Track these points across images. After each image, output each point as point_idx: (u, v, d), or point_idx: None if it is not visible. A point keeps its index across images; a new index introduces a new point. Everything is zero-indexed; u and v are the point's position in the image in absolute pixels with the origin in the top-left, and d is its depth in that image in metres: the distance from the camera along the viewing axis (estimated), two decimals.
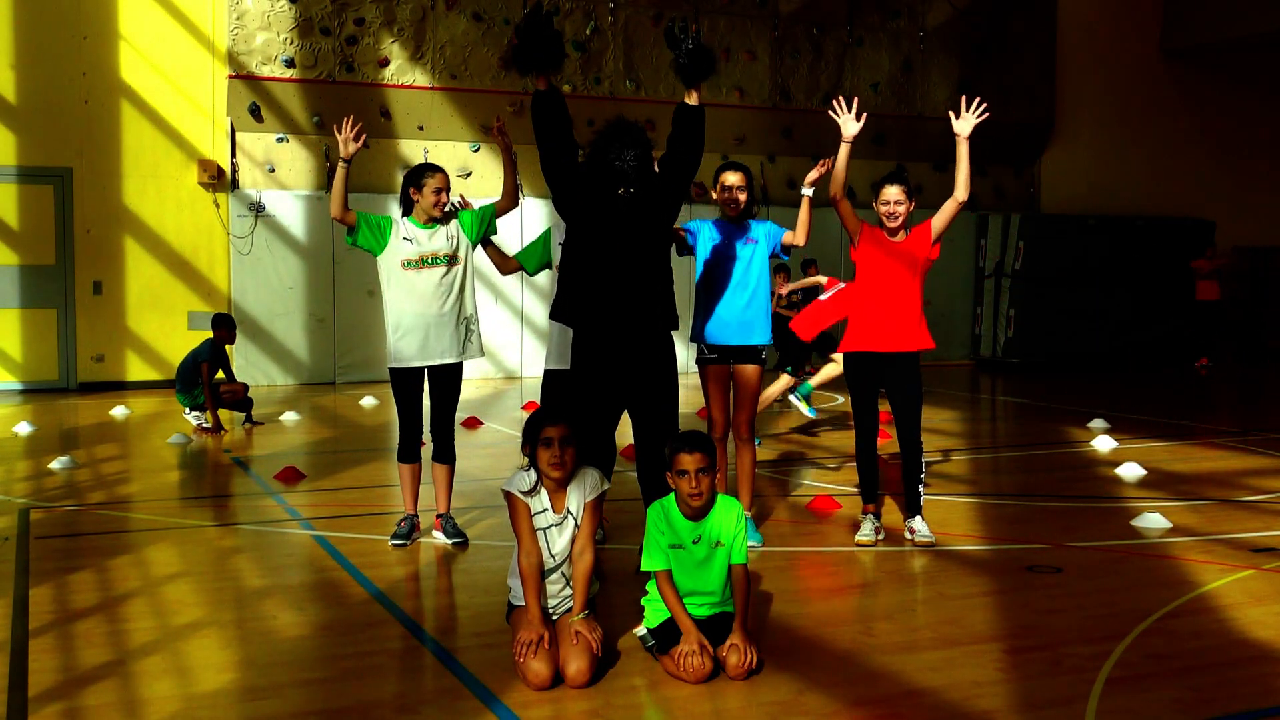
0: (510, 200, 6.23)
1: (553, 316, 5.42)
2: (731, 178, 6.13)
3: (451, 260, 6.05)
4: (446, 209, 6.07)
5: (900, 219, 6.05)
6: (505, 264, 6.64)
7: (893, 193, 6.03)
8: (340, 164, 5.91)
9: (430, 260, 6.01)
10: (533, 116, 5.18)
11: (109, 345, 14.17)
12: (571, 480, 4.30)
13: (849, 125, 5.88)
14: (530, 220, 15.59)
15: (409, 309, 6.01)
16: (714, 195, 6.21)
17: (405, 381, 6.12)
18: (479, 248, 6.24)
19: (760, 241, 6.12)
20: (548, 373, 6.56)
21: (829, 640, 4.51)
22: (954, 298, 17.82)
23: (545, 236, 6.79)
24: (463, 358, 6.13)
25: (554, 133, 5.14)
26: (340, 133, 5.93)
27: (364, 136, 5.96)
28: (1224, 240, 19.38)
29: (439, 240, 6.05)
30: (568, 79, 15.67)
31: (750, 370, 6.13)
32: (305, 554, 6.02)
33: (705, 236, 6.15)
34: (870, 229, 6.15)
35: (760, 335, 6.11)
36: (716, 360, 6.14)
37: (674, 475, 4.22)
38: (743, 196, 6.12)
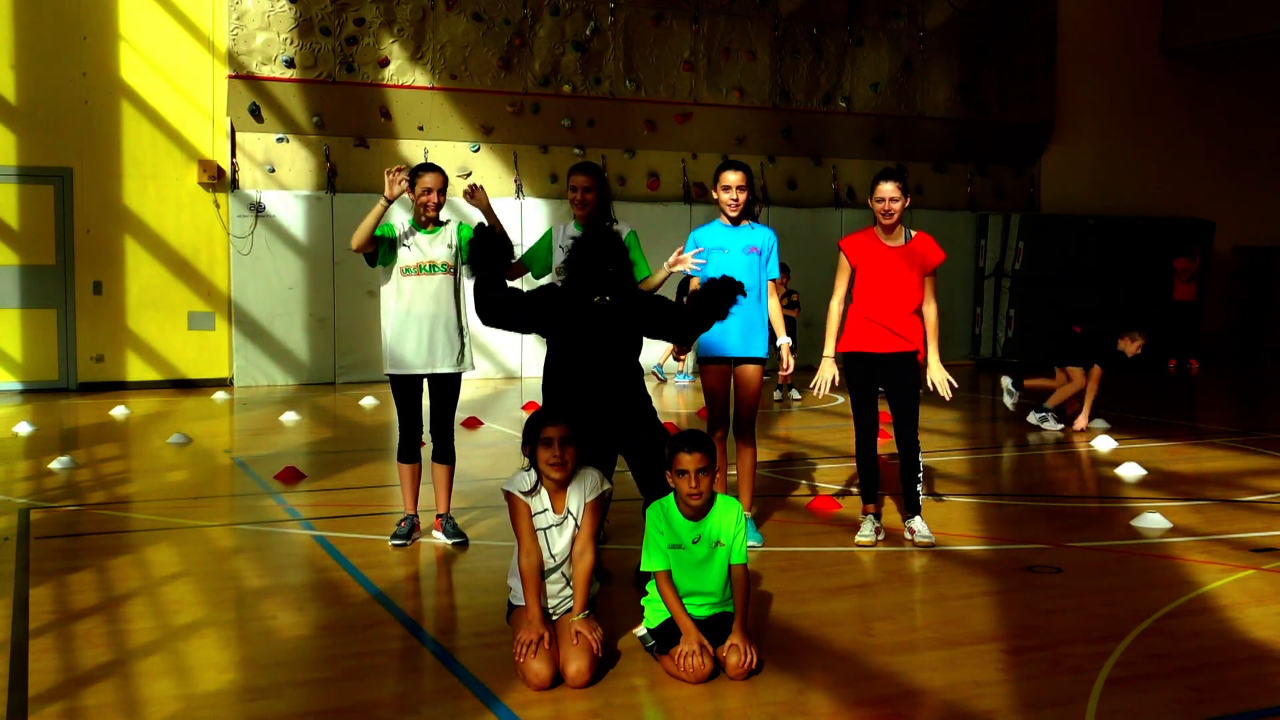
0: None
1: None
2: (731, 177, 6.09)
3: (449, 269, 6.06)
4: (441, 211, 6.08)
5: (895, 216, 6.02)
6: (510, 270, 6.57)
7: (888, 189, 6.01)
8: (381, 201, 5.93)
9: (429, 268, 6.02)
10: (483, 306, 5.12)
11: (109, 345, 14.17)
12: (572, 480, 4.30)
13: (823, 388, 6.07)
14: (530, 220, 15.59)
15: (406, 315, 6.02)
16: (714, 194, 6.19)
17: (403, 386, 6.12)
18: None
19: (763, 253, 6.10)
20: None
21: (829, 640, 4.51)
22: (954, 298, 17.83)
23: (547, 237, 6.66)
24: (459, 368, 6.12)
25: (508, 302, 5.14)
26: (389, 175, 5.95)
27: (405, 183, 5.96)
28: (1224, 240, 19.38)
29: (440, 248, 6.06)
30: (568, 79, 15.68)
31: (751, 370, 6.12)
32: (305, 554, 6.02)
33: (708, 244, 6.12)
34: (862, 235, 6.13)
35: (759, 348, 6.10)
36: (717, 360, 6.13)
37: (674, 475, 4.22)
38: (743, 196, 6.09)
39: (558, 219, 13.49)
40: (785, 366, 6.40)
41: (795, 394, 13.01)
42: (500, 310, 5.13)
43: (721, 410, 6.17)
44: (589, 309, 5.09)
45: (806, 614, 4.86)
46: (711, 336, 6.07)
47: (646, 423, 5.17)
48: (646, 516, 4.31)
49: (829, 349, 6.17)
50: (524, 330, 5.45)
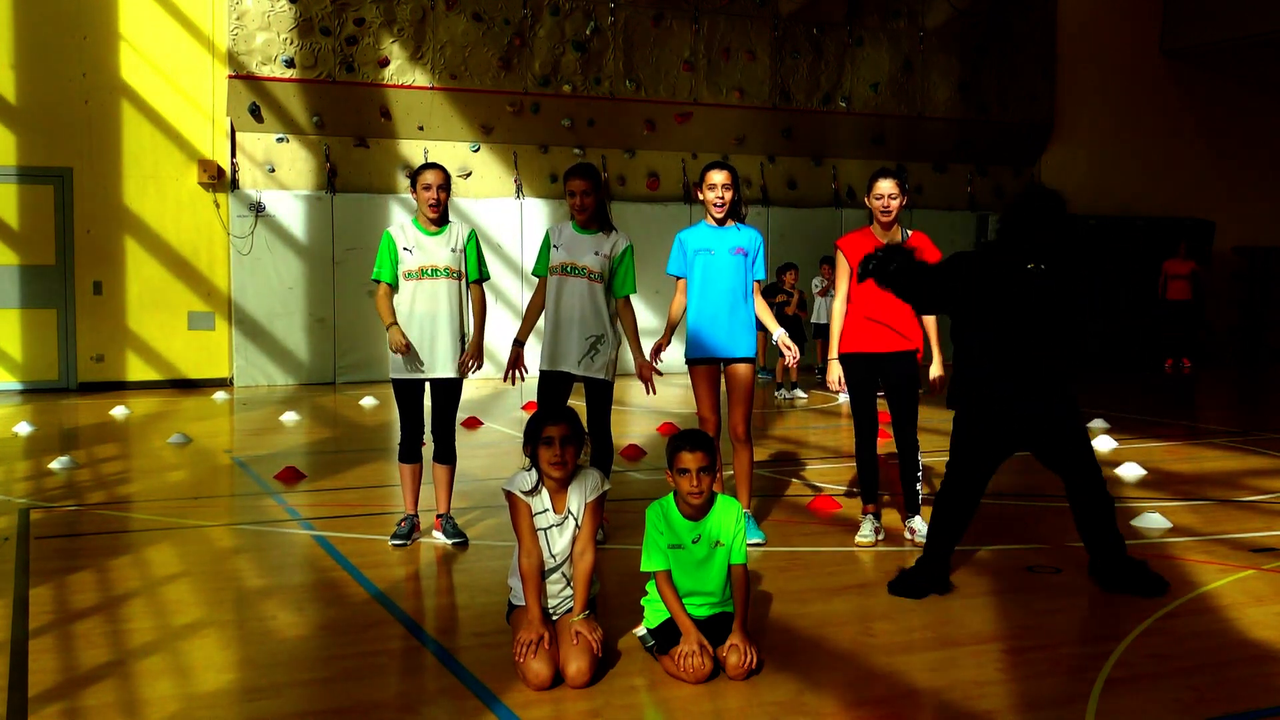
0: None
1: (950, 404, 5.20)
2: (716, 177, 6.05)
3: (452, 274, 6.04)
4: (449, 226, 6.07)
5: (893, 214, 6.02)
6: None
7: (886, 186, 6.01)
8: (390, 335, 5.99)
9: (431, 272, 6.00)
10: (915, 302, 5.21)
11: (109, 345, 14.17)
12: (572, 480, 4.30)
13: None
14: (530, 220, 15.59)
15: (408, 318, 6.00)
16: (699, 195, 6.17)
17: (406, 390, 6.12)
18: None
19: (749, 254, 6.09)
20: (543, 374, 6.39)
21: (829, 640, 4.51)
22: None
23: (545, 240, 6.54)
24: (459, 374, 6.11)
25: (927, 284, 5.09)
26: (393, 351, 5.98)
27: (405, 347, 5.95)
28: (1224, 240, 19.38)
29: (442, 251, 6.03)
30: (568, 79, 15.68)
31: (742, 369, 6.10)
32: (305, 554, 6.02)
33: (694, 245, 6.12)
34: (859, 234, 6.13)
35: (745, 348, 6.09)
36: (705, 361, 6.11)
37: (675, 474, 4.22)
38: (728, 196, 6.05)
39: (557, 219, 13.50)
40: (792, 353, 6.34)
41: (801, 393, 13.00)
42: (923, 296, 5.06)
43: (712, 411, 6.15)
44: (1022, 277, 4.84)
45: (806, 614, 4.86)
46: (699, 337, 6.07)
47: (1073, 409, 5.01)
48: (646, 516, 4.31)
49: (833, 351, 6.16)
50: (947, 309, 5.11)
